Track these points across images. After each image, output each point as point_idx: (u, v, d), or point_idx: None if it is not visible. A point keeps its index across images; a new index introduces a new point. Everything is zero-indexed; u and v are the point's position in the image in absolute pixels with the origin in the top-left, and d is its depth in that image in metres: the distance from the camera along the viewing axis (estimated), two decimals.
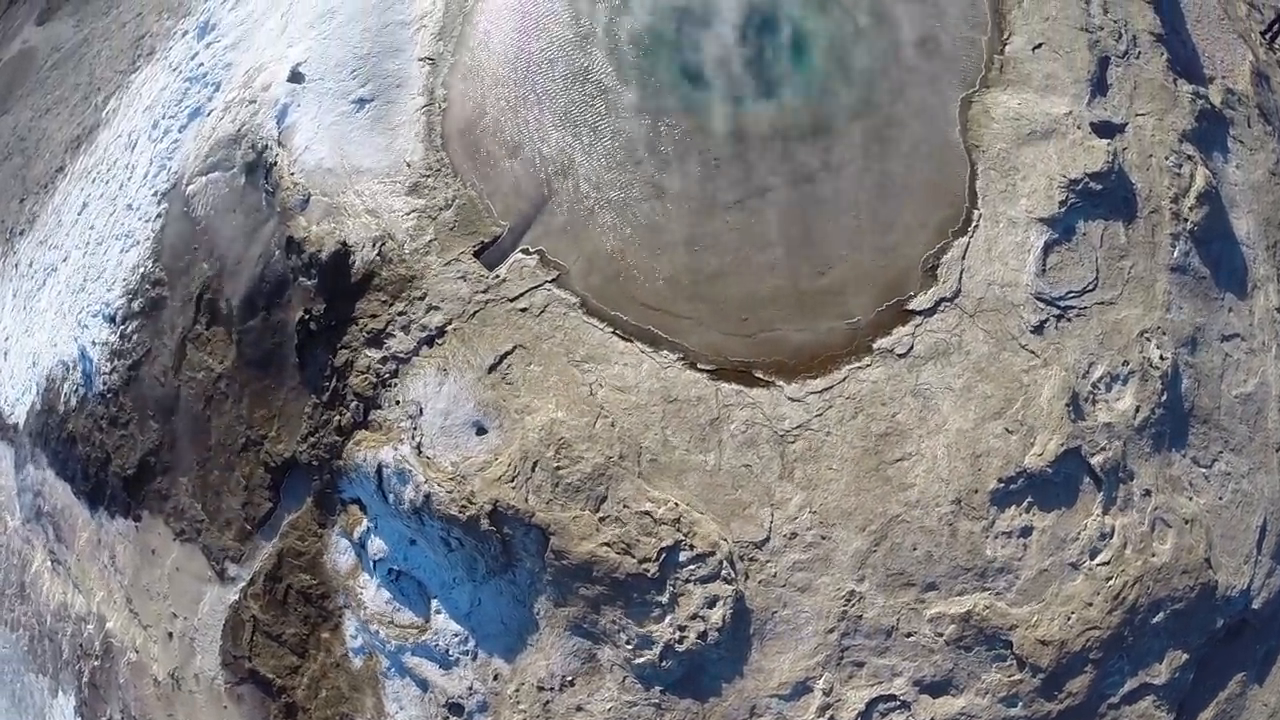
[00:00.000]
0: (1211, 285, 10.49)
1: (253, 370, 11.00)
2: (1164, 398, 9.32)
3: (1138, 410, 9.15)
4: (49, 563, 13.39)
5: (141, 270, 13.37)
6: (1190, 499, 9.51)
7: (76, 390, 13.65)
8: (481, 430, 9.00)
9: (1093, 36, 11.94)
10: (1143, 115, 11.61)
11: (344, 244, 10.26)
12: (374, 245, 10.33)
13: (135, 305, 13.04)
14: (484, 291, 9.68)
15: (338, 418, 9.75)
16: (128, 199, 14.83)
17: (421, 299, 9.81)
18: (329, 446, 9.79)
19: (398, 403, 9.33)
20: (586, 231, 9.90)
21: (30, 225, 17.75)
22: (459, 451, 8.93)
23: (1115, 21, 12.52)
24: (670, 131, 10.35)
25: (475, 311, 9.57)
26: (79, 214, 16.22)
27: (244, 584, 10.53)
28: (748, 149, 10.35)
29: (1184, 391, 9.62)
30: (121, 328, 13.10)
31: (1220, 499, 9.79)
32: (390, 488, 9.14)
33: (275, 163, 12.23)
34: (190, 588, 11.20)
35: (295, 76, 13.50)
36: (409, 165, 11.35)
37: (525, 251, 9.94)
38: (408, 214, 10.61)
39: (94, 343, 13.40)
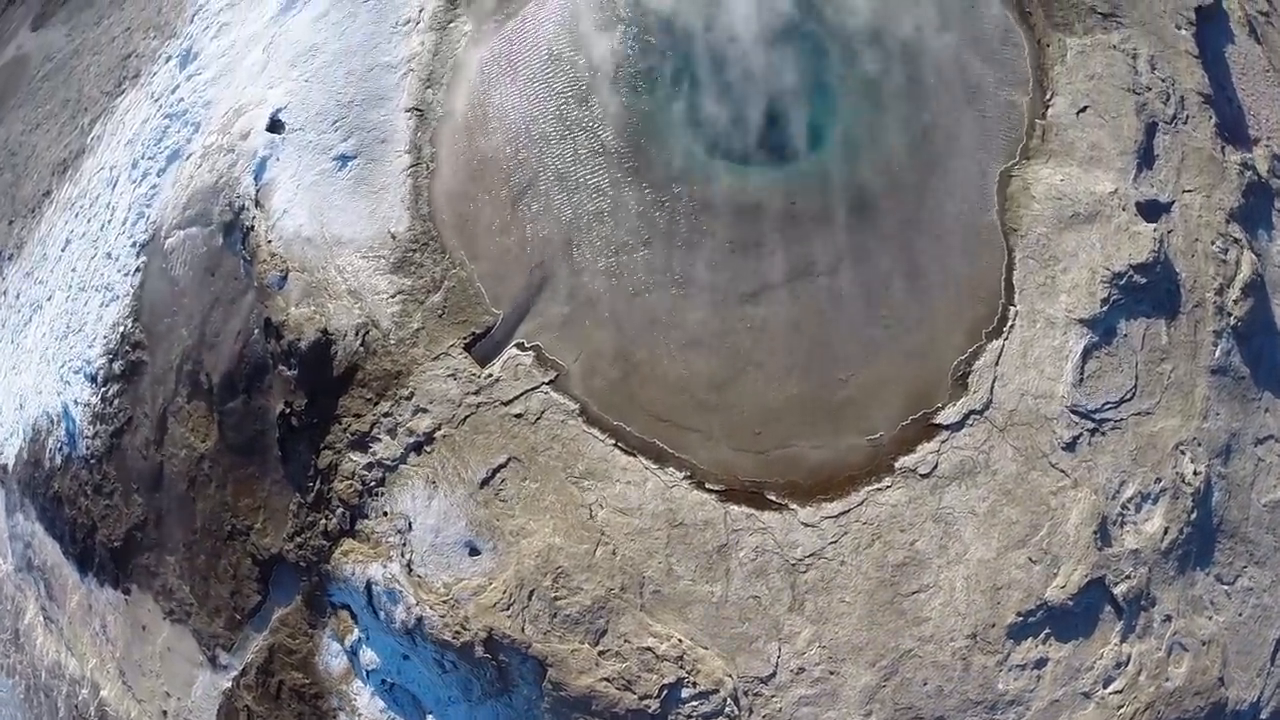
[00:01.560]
0: (1250, 385, 9.46)
1: (236, 455, 10.09)
2: (1194, 516, 8.43)
3: (1166, 532, 8.28)
4: (42, 618, 12.83)
5: (121, 329, 12.26)
6: (1210, 618, 8.77)
7: (61, 448, 12.77)
8: (474, 551, 8.16)
9: (1140, 99, 10.44)
10: (1190, 191, 10.25)
11: (325, 332, 9.15)
12: (357, 334, 9.26)
13: (116, 367, 12.01)
14: (475, 393, 8.68)
15: (324, 522, 8.92)
16: (108, 246, 13.58)
17: (408, 399, 8.81)
18: (316, 550, 8.98)
19: (385, 514, 8.47)
20: (587, 326, 8.71)
21: (18, 251, 16.57)
22: (451, 572, 8.13)
23: (1163, 80, 10.87)
24: (681, 210, 9.01)
25: (466, 416, 8.59)
26: (63, 250, 14.98)
27: (236, 673, 9.93)
28: (765, 232, 9.03)
29: (1214, 506, 8.72)
30: (103, 390, 12.11)
31: (1240, 615, 9.06)
32: (380, 605, 8.38)
33: (252, 227, 10.96)
34: (182, 669, 10.62)
35: (275, 125, 12.05)
36: (394, 237, 10.12)
37: (520, 347, 8.81)
38: (393, 296, 9.48)
39: (76, 402, 12.43)
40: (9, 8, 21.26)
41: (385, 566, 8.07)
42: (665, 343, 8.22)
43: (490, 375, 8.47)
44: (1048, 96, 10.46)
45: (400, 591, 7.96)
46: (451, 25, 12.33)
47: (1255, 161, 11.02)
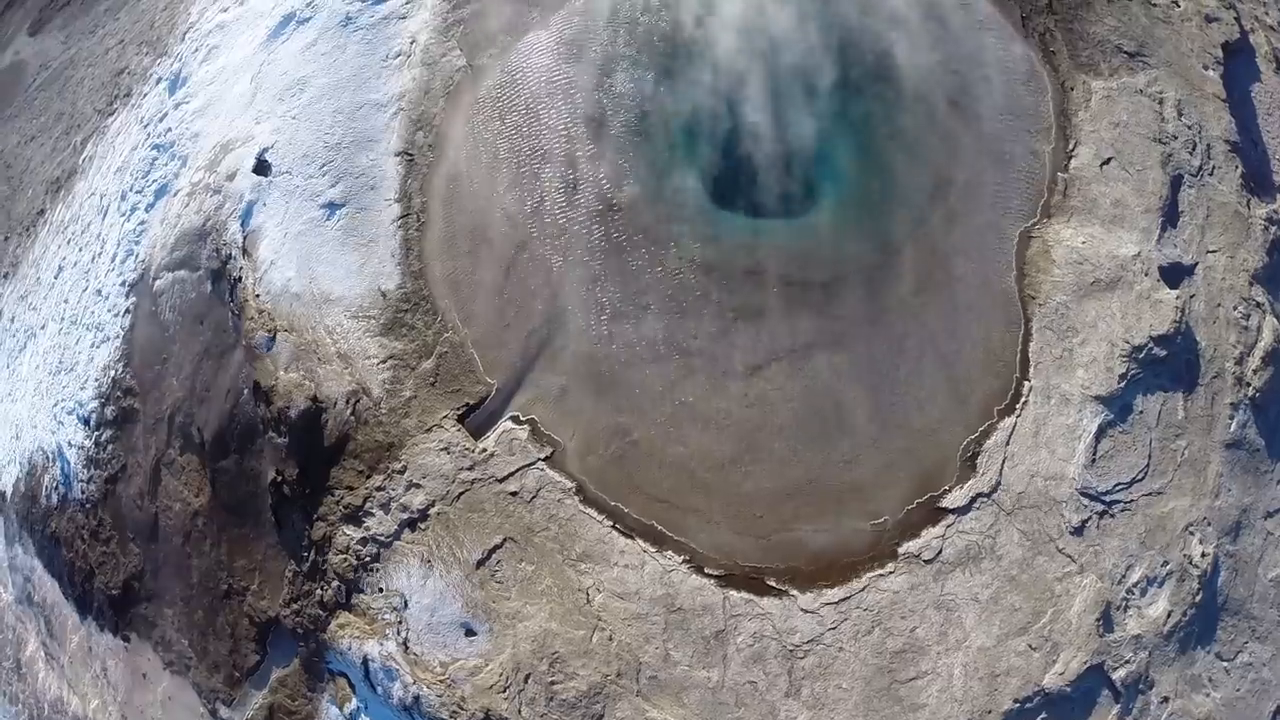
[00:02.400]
0: (1264, 457, 9.08)
1: (230, 514, 9.83)
2: (1199, 597, 8.18)
3: (1169, 615, 8.02)
4: (43, 652, 12.78)
5: (113, 373, 11.87)
6: (1208, 695, 8.57)
7: (57, 487, 12.53)
8: (471, 632, 7.94)
9: (1166, 149, 9.86)
10: (1214, 252, 9.64)
11: (315, 400, 8.81)
12: (347, 403, 8.89)
13: (108, 412, 11.67)
14: (469, 469, 8.35)
15: (319, 592, 8.70)
16: (98, 282, 13.09)
17: (401, 473, 8.49)
18: (313, 619, 8.82)
19: (380, 590, 8.22)
20: (584, 399, 8.30)
21: (14, 270, 16.15)
22: (447, 652, 7.94)
23: (1189, 127, 10.25)
24: (682, 272, 8.53)
25: (460, 493, 8.28)
26: (55, 277, 14.51)
27: None
28: (770, 299, 8.49)
29: (1220, 585, 8.44)
30: (96, 434, 11.78)
31: (1238, 690, 8.87)
32: (377, 680, 8.20)
33: (240, 278, 10.53)
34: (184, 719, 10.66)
35: (261, 167, 11.43)
36: (384, 295, 9.61)
37: (515, 420, 8.47)
38: (383, 362, 9.07)
39: (70, 444, 12.13)
40: (7, 10, 20.59)
41: (382, 644, 7.90)
42: (664, 419, 7.88)
43: (484, 450, 8.15)
44: (1071, 146, 9.84)
45: (397, 670, 7.80)
46: (444, 59, 11.70)
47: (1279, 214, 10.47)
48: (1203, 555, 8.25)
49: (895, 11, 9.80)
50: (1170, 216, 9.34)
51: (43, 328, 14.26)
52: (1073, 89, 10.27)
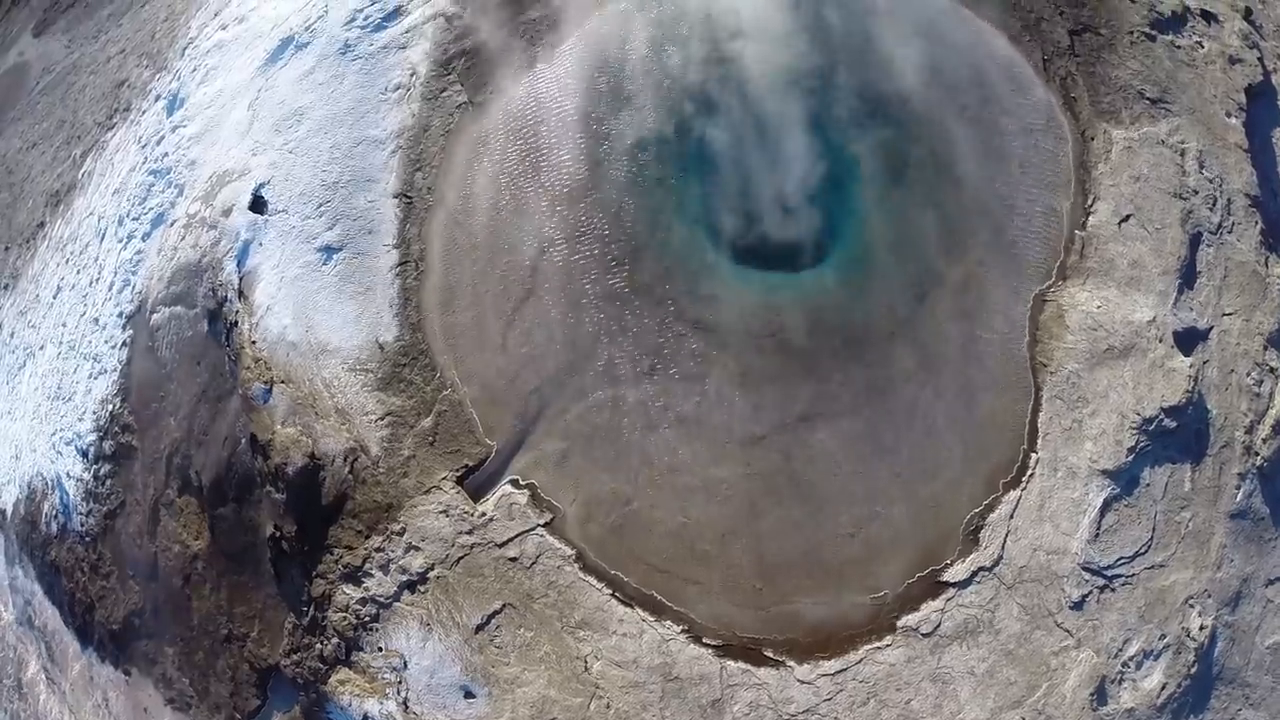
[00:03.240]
0: (1269, 525, 9.02)
1: (229, 560, 9.82)
2: (1194, 669, 8.24)
3: (1164, 688, 8.05)
4: (44, 676, 12.94)
5: (110, 408, 11.77)
6: None
7: (57, 516, 12.54)
8: (470, 695, 7.97)
9: (1186, 205, 9.58)
10: (1230, 314, 9.43)
11: (313, 457, 8.77)
12: (345, 461, 8.80)
13: (106, 447, 11.60)
14: (469, 532, 8.32)
15: (319, 646, 8.74)
16: (95, 310, 12.90)
17: (400, 534, 8.46)
18: (313, 670, 8.89)
19: (380, 649, 8.25)
20: (585, 465, 8.21)
21: (14, 283, 16.03)
22: (447, 713, 7.94)
23: (1210, 181, 9.94)
24: (687, 335, 8.30)
25: (460, 557, 8.25)
26: (54, 297, 14.34)
27: None
28: (776, 365, 8.35)
29: (1217, 655, 8.48)
30: (94, 467, 11.74)
31: None
32: None
33: (236, 323, 10.37)
34: None
35: (257, 204, 11.16)
36: (381, 348, 9.44)
37: (515, 484, 8.41)
38: (381, 419, 8.95)
39: (69, 475, 12.09)
40: (13, 9, 20.25)
41: (382, 703, 7.95)
42: (665, 488, 7.83)
43: (484, 514, 8.11)
44: (1090, 202, 9.51)
45: None
46: (444, 95, 11.36)
47: None
48: (1201, 628, 8.26)
49: (911, 57, 9.50)
50: (1188, 277, 9.15)
51: (41, 348, 14.16)
52: (1093, 139, 9.98)
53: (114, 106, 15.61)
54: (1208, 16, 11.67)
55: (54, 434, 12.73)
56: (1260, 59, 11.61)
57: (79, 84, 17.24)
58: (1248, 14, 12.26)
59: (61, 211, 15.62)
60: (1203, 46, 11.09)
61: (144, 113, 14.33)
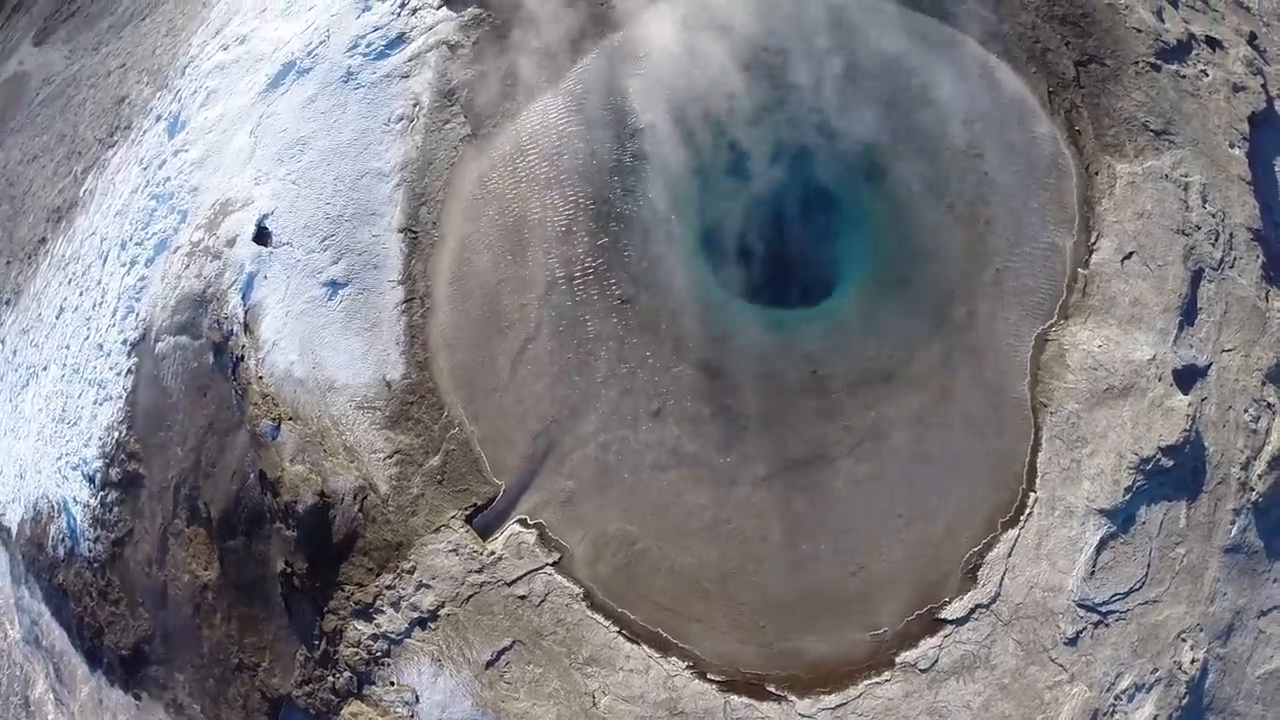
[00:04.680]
0: (1262, 558, 9.34)
1: (239, 592, 10.08)
2: (1185, 701, 8.59)
3: (1155, 719, 8.52)
4: (52, 696, 13.25)
5: (116, 435, 11.97)
6: None
7: (64, 540, 12.78)
8: None
9: (1189, 241, 9.75)
10: (1229, 351, 9.68)
11: (323, 495, 9.01)
12: (355, 499, 9.03)
13: (113, 474, 11.81)
14: (478, 571, 8.56)
15: (332, 679, 9.02)
16: (99, 335, 13.08)
17: (411, 573, 8.69)
18: (325, 701, 9.17)
19: (392, 684, 8.53)
20: (592, 505, 8.47)
21: (15, 299, 16.17)
22: None
23: (1213, 216, 10.11)
24: (693, 378, 8.47)
25: (470, 595, 8.50)
26: (57, 317, 14.50)
27: None
28: (781, 406, 8.60)
29: (1208, 687, 8.85)
30: (101, 494, 11.97)
31: None
32: None
33: (243, 357, 10.57)
34: None
35: (261, 236, 11.30)
36: (389, 385, 9.63)
37: (523, 523, 8.72)
38: (389, 457, 9.15)
39: (75, 500, 12.33)
40: (13, 15, 20.22)
41: None
42: (671, 528, 8.09)
43: (493, 553, 8.36)
44: (1093, 239, 9.70)
45: None
46: (447, 127, 11.45)
47: None
48: (1192, 661, 8.59)
49: (913, 89, 9.62)
50: (1188, 314, 9.37)
51: (45, 369, 14.34)
52: (1097, 174, 10.15)
53: (115, 124, 15.70)
54: (1212, 43, 11.81)
55: (60, 458, 12.95)
56: (1264, 85, 11.73)
57: (79, 97, 17.31)
58: (1252, 39, 12.39)
59: (63, 229, 15.75)
60: (1207, 75, 11.23)
61: (145, 132, 14.43)
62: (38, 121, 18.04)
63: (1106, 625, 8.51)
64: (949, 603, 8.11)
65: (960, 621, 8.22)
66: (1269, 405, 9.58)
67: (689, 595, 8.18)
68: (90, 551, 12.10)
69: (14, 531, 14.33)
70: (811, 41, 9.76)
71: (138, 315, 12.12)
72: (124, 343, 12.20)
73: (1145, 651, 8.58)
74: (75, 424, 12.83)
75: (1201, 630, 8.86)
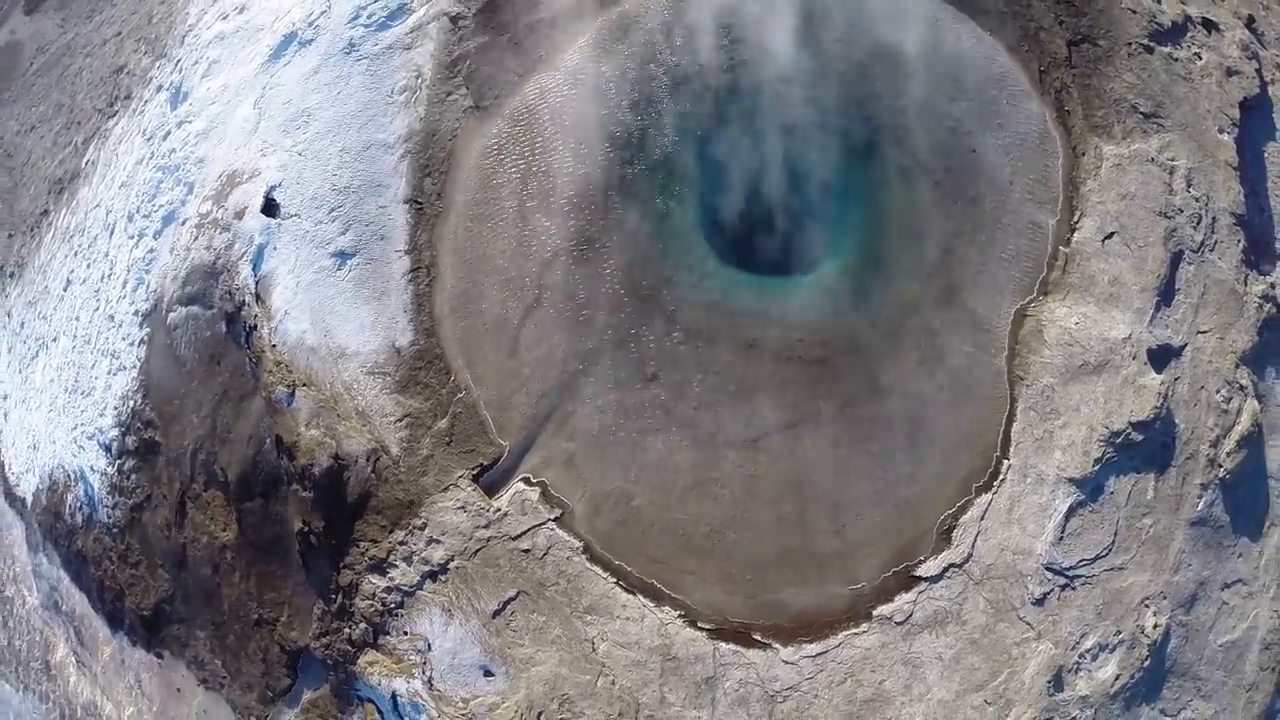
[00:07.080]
0: (1228, 533, 10.22)
1: (257, 552, 10.98)
2: (1147, 663, 9.54)
3: (1117, 678, 9.39)
4: (74, 659, 14.24)
5: (132, 404, 12.78)
6: None
7: (81, 508, 13.65)
8: (489, 673, 9.26)
9: (1170, 224, 10.47)
10: (1204, 332, 10.49)
11: (337, 458, 9.78)
12: (368, 461, 9.83)
13: (129, 442, 12.64)
14: (485, 527, 9.43)
15: (348, 630, 9.94)
16: (110, 307, 13.84)
17: (422, 529, 9.57)
18: (342, 652, 10.09)
19: (405, 633, 9.49)
20: (591, 464, 9.49)
21: (19, 272, 16.85)
22: (468, 689, 9.26)
23: (1197, 200, 10.84)
24: (687, 343, 9.34)
25: (477, 549, 9.39)
26: (64, 290, 15.28)
27: None
28: (768, 373, 9.57)
29: (1170, 651, 9.79)
30: (119, 462, 12.82)
31: None
32: (405, 712, 9.60)
33: (255, 326, 11.24)
34: None
35: (270, 208, 11.98)
36: (398, 351, 10.46)
37: (527, 481, 9.58)
38: (400, 420, 10.01)
39: (93, 469, 13.20)
40: None
41: (409, 682, 9.22)
42: (665, 487, 8.98)
43: (499, 510, 9.22)
44: (1076, 218, 10.50)
45: (423, 704, 9.14)
46: (450, 99, 11.95)
47: (1277, 289, 10.89)
48: (1155, 626, 9.56)
49: (907, 64, 10.11)
50: (1166, 295, 10.11)
51: (55, 340, 15.07)
52: (1084, 154, 10.76)
53: (114, 93, 16.16)
54: (1209, 25, 12.25)
55: (75, 428, 13.74)
56: (1258, 70, 12.25)
57: (75, 67, 17.74)
58: (1250, 22, 12.82)
59: (66, 200, 16.30)
60: (1200, 58, 11.70)
61: (146, 103, 14.91)
62: (34, 91, 18.48)
63: (1073, 588, 9.39)
64: (924, 561, 9.06)
65: (934, 579, 9.10)
66: (1241, 387, 10.35)
67: (681, 549, 9.09)
68: (109, 518, 12.96)
69: (29, 501, 15.21)
70: (802, 15, 10.16)
71: (148, 287, 12.80)
72: (135, 314, 12.90)
73: (1109, 614, 9.49)
74: (89, 394, 13.58)
75: (1165, 598, 9.74)
